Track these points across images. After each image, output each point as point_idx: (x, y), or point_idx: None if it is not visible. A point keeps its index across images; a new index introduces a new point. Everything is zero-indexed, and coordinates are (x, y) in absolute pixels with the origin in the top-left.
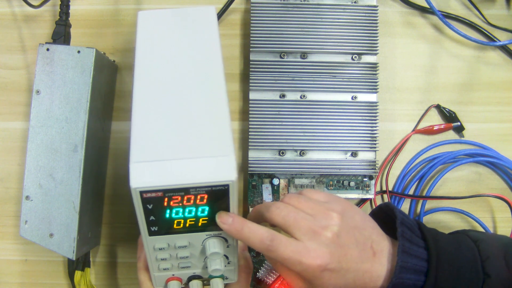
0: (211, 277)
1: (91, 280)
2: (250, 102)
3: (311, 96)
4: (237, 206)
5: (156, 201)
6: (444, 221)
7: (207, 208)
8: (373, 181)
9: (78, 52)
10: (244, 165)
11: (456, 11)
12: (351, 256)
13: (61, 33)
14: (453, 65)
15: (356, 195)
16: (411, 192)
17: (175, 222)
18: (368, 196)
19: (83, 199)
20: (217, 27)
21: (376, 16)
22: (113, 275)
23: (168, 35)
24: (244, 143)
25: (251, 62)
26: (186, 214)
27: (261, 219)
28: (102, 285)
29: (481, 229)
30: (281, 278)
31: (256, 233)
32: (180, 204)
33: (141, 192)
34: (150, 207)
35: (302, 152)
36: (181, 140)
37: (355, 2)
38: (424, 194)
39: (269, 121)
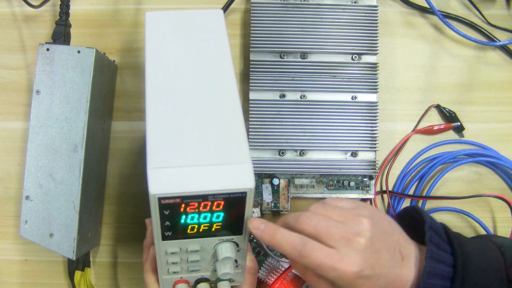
0: (218, 280)
1: (91, 280)
2: (250, 102)
3: (311, 96)
4: (251, 212)
5: (173, 207)
6: (444, 221)
7: (222, 214)
8: (373, 181)
9: (78, 52)
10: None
11: (456, 11)
12: (383, 261)
13: (61, 33)
14: (453, 65)
15: (356, 195)
16: (411, 192)
17: (189, 227)
18: (368, 196)
19: (83, 199)
20: (226, 31)
21: (376, 16)
22: (113, 275)
23: (178, 37)
24: None
25: (251, 62)
26: (201, 219)
27: (290, 229)
28: (102, 285)
29: (481, 229)
30: (281, 278)
31: (288, 239)
32: (196, 210)
33: (160, 199)
34: (166, 212)
35: (302, 152)
36: (198, 146)
37: (355, 2)
38: (424, 194)
39: (269, 121)
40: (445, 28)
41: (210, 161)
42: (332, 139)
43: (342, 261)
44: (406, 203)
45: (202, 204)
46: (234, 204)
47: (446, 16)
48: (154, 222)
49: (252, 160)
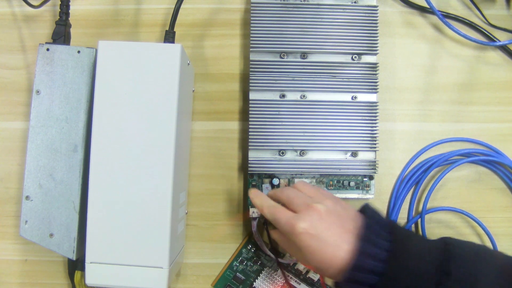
0: None
1: None
2: (250, 102)
3: (311, 96)
4: (174, 259)
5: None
6: (444, 221)
7: None
8: (373, 181)
9: (78, 52)
10: (244, 165)
11: (456, 11)
12: (329, 231)
13: (61, 33)
14: (453, 65)
15: (356, 195)
16: (410, 192)
17: None
18: (368, 196)
19: (83, 199)
20: (179, 68)
21: (376, 16)
22: None
23: (128, 74)
24: (244, 143)
25: (251, 62)
26: None
27: (274, 198)
28: None
29: (481, 229)
30: None
31: (266, 203)
32: None
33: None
34: None
35: (302, 152)
36: (127, 245)
37: (355, 2)
38: (424, 194)
39: (269, 121)
40: (445, 28)
41: (134, 261)
42: (332, 139)
43: (296, 219)
44: (406, 203)
45: None
46: None
47: (446, 16)
48: None
49: (252, 160)
